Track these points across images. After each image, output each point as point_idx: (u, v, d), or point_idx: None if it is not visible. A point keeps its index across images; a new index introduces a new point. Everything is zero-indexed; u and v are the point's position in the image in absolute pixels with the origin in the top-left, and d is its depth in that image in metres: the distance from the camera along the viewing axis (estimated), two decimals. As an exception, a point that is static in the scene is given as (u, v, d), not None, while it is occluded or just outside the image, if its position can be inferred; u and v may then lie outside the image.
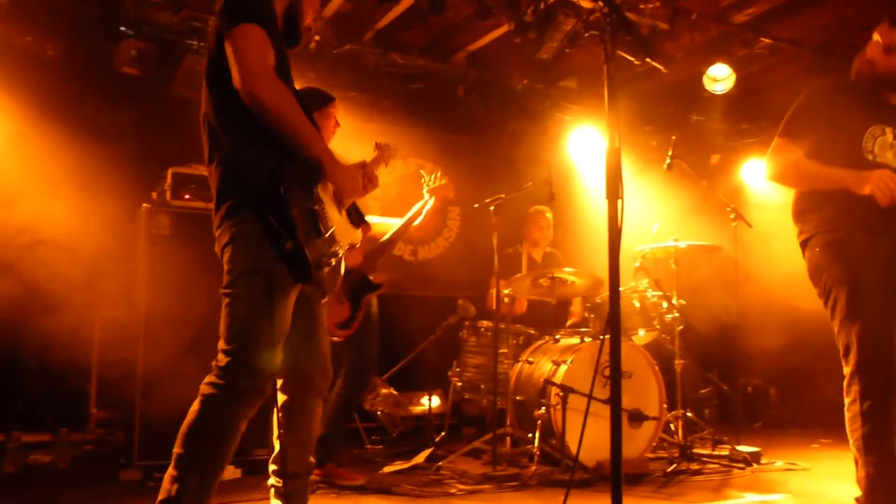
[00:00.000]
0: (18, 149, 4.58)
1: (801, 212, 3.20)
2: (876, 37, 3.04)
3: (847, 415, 2.87)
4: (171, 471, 2.21)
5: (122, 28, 5.07)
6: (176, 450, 2.23)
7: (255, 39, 2.24)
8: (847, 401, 2.87)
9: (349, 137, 5.56)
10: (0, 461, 4.17)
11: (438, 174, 4.26)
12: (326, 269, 2.45)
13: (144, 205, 4.39)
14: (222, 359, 2.27)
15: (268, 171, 2.28)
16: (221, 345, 2.29)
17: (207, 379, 2.28)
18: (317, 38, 5.50)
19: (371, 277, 4.03)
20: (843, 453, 5.06)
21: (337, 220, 2.51)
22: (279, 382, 2.59)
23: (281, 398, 2.59)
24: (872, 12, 5.07)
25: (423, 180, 4.26)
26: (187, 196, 4.46)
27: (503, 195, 4.64)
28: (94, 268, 4.55)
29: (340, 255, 2.55)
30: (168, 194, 4.44)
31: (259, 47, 2.25)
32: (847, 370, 2.87)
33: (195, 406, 2.26)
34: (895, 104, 3.07)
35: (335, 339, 3.75)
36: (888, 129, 3.00)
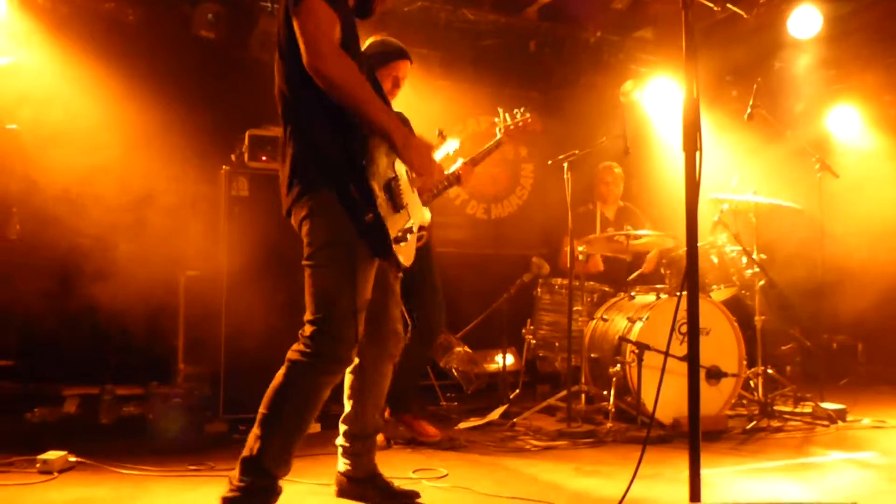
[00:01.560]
0: (102, 114, 4.74)
1: None
2: None
3: None
4: (255, 429, 2.30)
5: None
6: (262, 410, 2.32)
7: (321, 15, 2.24)
8: None
9: (422, 95, 5.57)
10: (96, 412, 4.41)
11: (522, 110, 3.87)
12: (403, 245, 2.47)
13: (224, 167, 4.50)
14: (308, 328, 2.33)
15: (345, 145, 2.31)
16: (307, 315, 2.35)
17: (294, 347, 2.35)
18: (387, -5, 5.48)
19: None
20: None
21: (410, 194, 2.51)
22: None
23: (354, 361, 2.65)
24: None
25: (497, 119, 3.86)
26: (264, 157, 4.54)
27: (577, 151, 4.56)
28: (177, 228, 4.70)
29: (415, 231, 2.56)
30: (246, 156, 4.54)
31: (325, 23, 2.24)
32: None
33: (281, 371, 2.34)
34: None
35: None
36: None
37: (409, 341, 3.69)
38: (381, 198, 2.34)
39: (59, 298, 4.54)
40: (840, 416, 4.48)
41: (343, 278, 2.31)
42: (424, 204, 3.52)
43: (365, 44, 3.50)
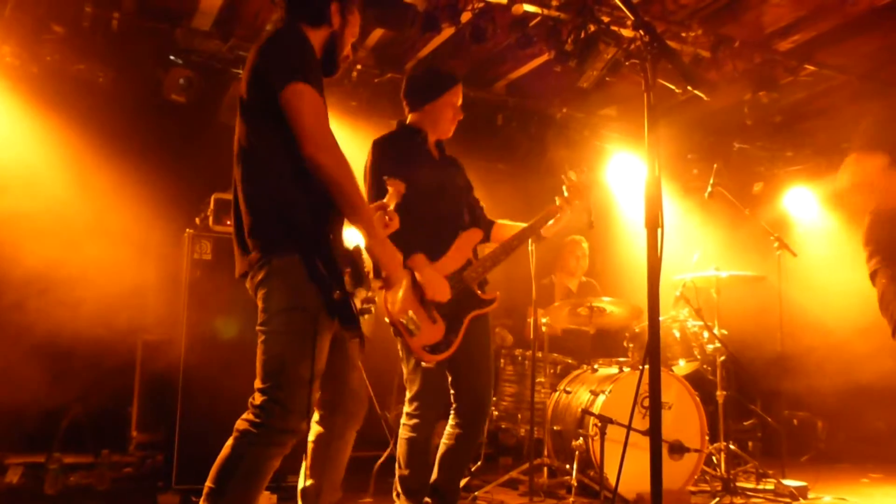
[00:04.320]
0: (68, 173, 4.71)
1: (870, 241, 3.17)
2: None
3: None
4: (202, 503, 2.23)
5: (172, 57, 5.21)
6: (208, 483, 2.24)
7: (310, 101, 2.26)
8: None
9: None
10: (41, 482, 4.23)
11: (583, 170, 3.52)
12: (367, 316, 2.43)
13: (188, 230, 4.48)
14: (258, 397, 2.28)
15: (311, 210, 2.31)
16: (258, 383, 2.30)
17: (243, 416, 2.29)
18: (359, 66, 5.59)
19: (478, 291, 3.27)
20: (895, 488, 4.92)
21: (370, 264, 2.51)
22: (317, 415, 2.60)
23: (317, 430, 2.60)
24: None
25: (564, 177, 3.52)
26: (229, 222, 4.51)
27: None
28: (137, 291, 4.64)
29: (377, 301, 2.54)
30: (211, 220, 4.52)
31: (315, 110, 2.27)
32: None
33: (229, 442, 2.27)
34: None
35: (424, 364, 3.09)
36: None
37: (457, 429, 3.22)
38: (347, 270, 2.33)
39: (5, 359, 4.42)
40: (802, 493, 4.48)
41: (298, 346, 2.27)
42: (502, 259, 3.32)
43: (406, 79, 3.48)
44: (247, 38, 5.24)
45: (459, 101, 3.40)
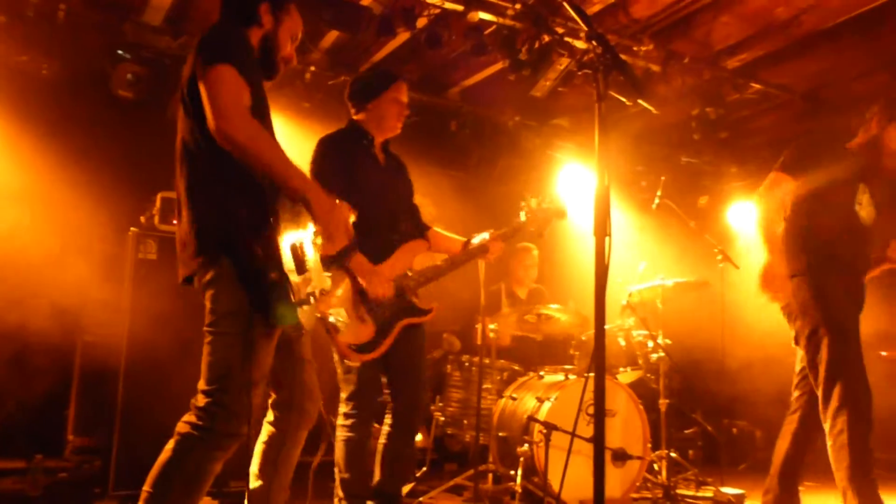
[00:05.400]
0: (6, 167, 4.56)
1: (790, 251, 3.36)
2: None
3: (833, 448, 2.98)
4: None
5: (120, 52, 5.09)
6: (146, 488, 2.19)
7: (228, 80, 2.23)
8: (833, 433, 3.00)
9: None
10: (-31, 487, 4.09)
11: (549, 198, 3.60)
12: (306, 308, 2.41)
13: (132, 229, 4.37)
14: (201, 399, 2.24)
15: (251, 205, 2.27)
16: (201, 384, 2.26)
17: (185, 418, 2.25)
18: (312, 68, 5.55)
19: (415, 300, 3.33)
20: (828, 496, 5.05)
21: (315, 260, 2.48)
22: (272, 416, 2.56)
23: (269, 431, 2.56)
24: (862, 62, 5.20)
25: (523, 202, 3.62)
26: (176, 221, 4.43)
27: (492, 230, 4.63)
28: (77, 291, 4.50)
29: (318, 295, 2.52)
30: (156, 219, 4.43)
31: (232, 88, 2.23)
32: (832, 403, 3.00)
33: (170, 445, 2.23)
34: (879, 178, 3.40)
35: (347, 361, 3.15)
36: (868, 190, 3.35)
37: (391, 428, 3.32)
38: (286, 259, 2.29)
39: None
40: (739, 501, 4.58)
41: (243, 348, 2.24)
42: (442, 274, 3.44)
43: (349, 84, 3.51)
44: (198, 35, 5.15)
45: (404, 98, 3.42)
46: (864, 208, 3.33)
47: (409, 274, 3.34)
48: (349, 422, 3.21)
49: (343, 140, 3.37)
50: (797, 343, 3.35)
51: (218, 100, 2.20)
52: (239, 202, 2.28)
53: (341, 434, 3.22)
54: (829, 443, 3.05)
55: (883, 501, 3.04)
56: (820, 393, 3.10)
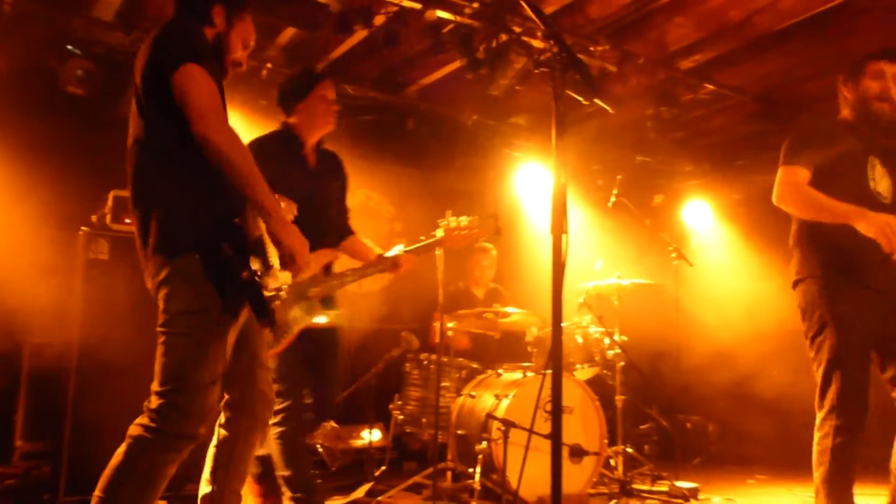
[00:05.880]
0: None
1: (801, 252, 3.18)
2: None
3: (816, 448, 2.97)
4: None
5: (69, 47, 4.97)
6: (97, 493, 2.14)
7: (201, 81, 2.22)
8: (818, 435, 2.98)
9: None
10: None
11: (471, 218, 3.57)
12: (277, 304, 2.39)
13: (83, 228, 4.27)
14: (154, 400, 2.19)
15: (218, 202, 2.24)
16: (154, 385, 2.21)
17: (138, 420, 2.20)
18: (269, 65, 5.48)
19: (318, 305, 3.42)
20: (778, 489, 5.17)
21: (274, 256, 2.46)
22: (223, 417, 2.52)
23: (221, 434, 2.52)
24: (813, 63, 5.31)
25: (441, 221, 3.60)
26: (128, 220, 4.35)
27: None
28: (25, 291, 4.38)
29: (285, 292, 2.50)
30: (108, 218, 4.33)
31: (207, 89, 2.22)
32: (825, 406, 2.98)
33: (122, 448, 2.17)
34: (882, 142, 3.15)
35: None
36: (878, 161, 3.10)
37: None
38: (254, 256, 2.27)
39: None
40: (693, 494, 4.65)
41: (199, 348, 2.20)
42: (350, 281, 3.47)
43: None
44: (151, 31, 5.05)
45: (331, 95, 3.44)
46: (880, 182, 3.09)
47: (317, 278, 3.36)
48: (278, 417, 3.20)
49: (272, 143, 3.37)
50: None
51: (196, 103, 2.19)
52: (204, 197, 2.25)
53: (273, 430, 3.22)
54: (814, 440, 3.02)
55: None
56: (816, 393, 3.06)
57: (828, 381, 2.99)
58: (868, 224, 2.86)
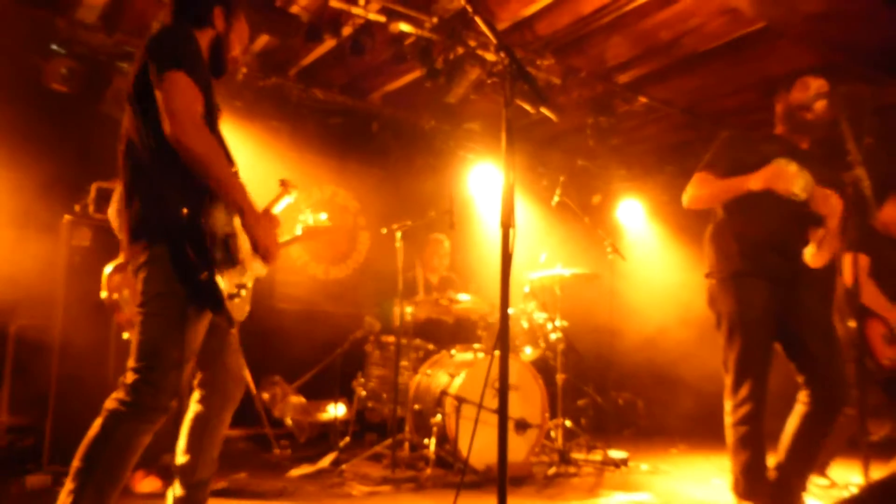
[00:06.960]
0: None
1: (710, 250, 3.22)
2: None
3: (731, 435, 3.00)
4: (68, 484, 2.09)
5: (53, 46, 4.82)
6: (75, 463, 2.10)
7: (183, 88, 2.17)
8: (732, 422, 2.99)
9: (271, 162, 5.47)
10: None
11: (326, 216, 3.34)
12: (237, 300, 2.36)
13: (67, 216, 4.16)
14: (130, 376, 2.16)
15: (187, 202, 2.20)
16: (130, 362, 2.18)
17: (113, 395, 2.16)
18: (244, 69, 5.39)
19: None
20: (697, 458, 5.30)
21: (247, 249, 2.42)
22: (198, 394, 2.49)
23: (196, 409, 2.48)
24: (732, 81, 5.42)
25: (301, 217, 3.29)
26: (110, 211, 4.24)
27: (409, 222, 4.64)
28: (11, 276, 4.26)
29: (250, 286, 2.46)
30: (91, 207, 4.22)
31: (187, 96, 2.17)
32: (733, 395, 3.00)
33: (98, 421, 2.14)
34: (803, 148, 3.15)
35: (125, 336, 3.09)
36: (794, 163, 2.93)
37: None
38: (218, 255, 2.23)
39: None
40: (624, 462, 4.73)
41: (172, 328, 2.18)
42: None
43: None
44: (133, 34, 4.92)
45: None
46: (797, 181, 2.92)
47: None
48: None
49: None
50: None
51: (173, 108, 2.14)
52: (177, 197, 2.20)
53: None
54: (726, 426, 3.00)
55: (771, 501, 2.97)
56: (726, 381, 3.03)
57: (727, 362, 3.02)
58: (756, 179, 2.87)
